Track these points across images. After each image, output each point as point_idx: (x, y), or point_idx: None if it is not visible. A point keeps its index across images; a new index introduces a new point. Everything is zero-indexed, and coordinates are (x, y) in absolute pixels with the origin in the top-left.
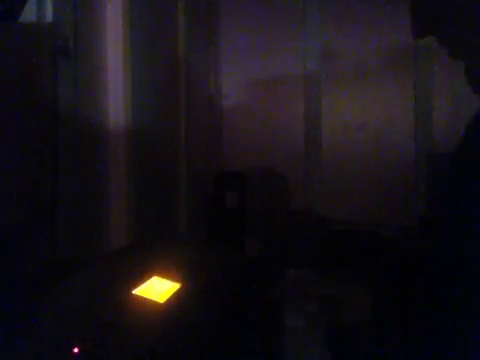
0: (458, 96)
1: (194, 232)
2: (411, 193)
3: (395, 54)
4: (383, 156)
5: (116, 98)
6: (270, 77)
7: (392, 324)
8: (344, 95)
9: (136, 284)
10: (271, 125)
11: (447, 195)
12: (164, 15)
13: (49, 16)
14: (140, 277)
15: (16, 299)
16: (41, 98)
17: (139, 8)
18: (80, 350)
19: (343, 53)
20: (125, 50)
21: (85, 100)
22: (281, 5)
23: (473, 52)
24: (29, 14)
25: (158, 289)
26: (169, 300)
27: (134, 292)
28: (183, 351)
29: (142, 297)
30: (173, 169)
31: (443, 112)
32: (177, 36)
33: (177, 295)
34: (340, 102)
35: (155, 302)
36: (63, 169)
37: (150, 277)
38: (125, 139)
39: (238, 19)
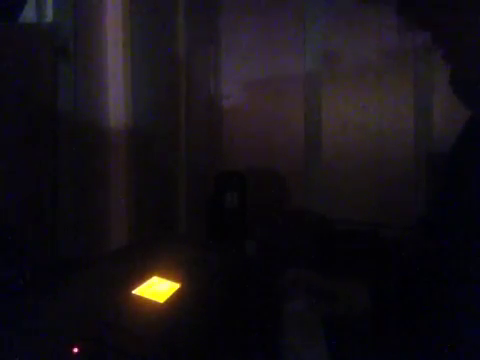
0: None
1: (194, 232)
2: (411, 193)
3: (395, 54)
4: (383, 156)
5: (116, 98)
6: (270, 77)
7: (392, 324)
8: (344, 95)
9: (136, 284)
10: (271, 125)
11: (446, 195)
12: (164, 15)
13: (49, 16)
14: (140, 277)
15: (16, 299)
16: (41, 98)
17: (139, 8)
18: (80, 350)
19: (343, 53)
20: (125, 50)
21: (85, 100)
22: (281, 5)
23: (463, 53)
24: (29, 14)
25: (158, 289)
26: (169, 300)
27: (134, 292)
28: (183, 351)
29: (142, 297)
30: (173, 169)
31: (443, 112)
32: (177, 36)
33: (177, 295)
34: (340, 102)
35: (155, 302)
36: (63, 169)
37: (150, 277)
38: (125, 139)
39: (238, 19)
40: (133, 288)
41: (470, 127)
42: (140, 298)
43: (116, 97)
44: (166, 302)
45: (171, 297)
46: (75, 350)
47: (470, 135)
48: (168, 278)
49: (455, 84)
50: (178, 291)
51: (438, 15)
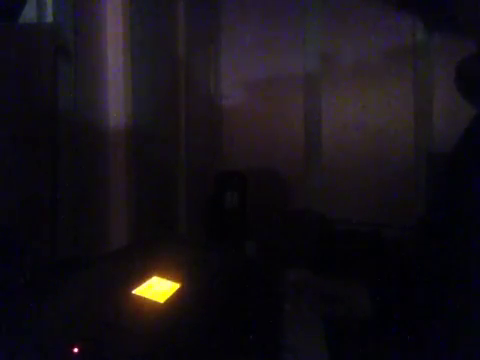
0: (458, 96)
1: (194, 232)
2: (411, 193)
3: (395, 54)
4: (383, 156)
5: (116, 98)
6: (270, 77)
7: (392, 324)
8: (344, 95)
9: (136, 284)
10: (271, 125)
11: (446, 195)
12: (164, 15)
13: (49, 16)
14: (140, 277)
15: (16, 299)
16: (41, 98)
17: (139, 8)
18: (80, 350)
19: (343, 53)
20: (125, 50)
21: (85, 100)
22: (281, 5)
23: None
24: (29, 14)
25: (158, 289)
26: (169, 300)
27: (134, 292)
28: (183, 351)
29: (142, 297)
30: (173, 169)
31: (443, 112)
32: (177, 36)
33: (177, 295)
34: (340, 102)
35: (155, 302)
36: (63, 169)
37: (150, 277)
38: (125, 139)
39: (238, 19)
40: (133, 288)
41: (474, 126)
42: (140, 298)
43: (116, 97)
44: (166, 302)
45: (171, 297)
46: (75, 350)
47: (474, 134)
48: (168, 278)
49: (459, 81)
50: (178, 291)
51: (440, 11)
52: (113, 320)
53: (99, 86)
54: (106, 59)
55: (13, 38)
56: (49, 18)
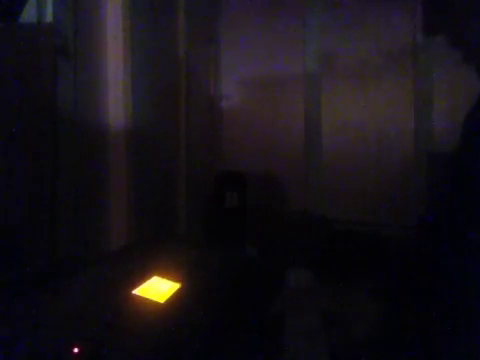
0: (458, 95)
1: (194, 232)
2: (411, 193)
3: (395, 54)
4: (383, 156)
5: (116, 98)
6: (270, 77)
7: (392, 324)
8: (344, 95)
9: (136, 284)
10: (271, 125)
11: (447, 195)
12: (164, 15)
13: (49, 16)
14: (140, 277)
15: (16, 299)
16: (41, 98)
17: (139, 8)
18: (80, 350)
19: (343, 53)
20: (125, 50)
21: (85, 100)
22: (281, 5)
23: None
24: (29, 14)
25: (158, 289)
26: (169, 300)
27: (134, 292)
28: (183, 351)
29: (142, 297)
30: (173, 169)
31: (443, 112)
32: (177, 36)
33: (177, 295)
34: (340, 102)
35: (155, 302)
36: (63, 169)
37: (150, 277)
38: (125, 139)
39: (238, 19)
40: (133, 288)
41: (474, 125)
42: (140, 298)
43: (116, 97)
44: (166, 302)
45: (171, 297)
46: (75, 350)
47: (473, 133)
48: (168, 278)
49: None
50: (178, 291)
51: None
52: (113, 320)
53: (99, 86)
54: (106, 59)
55: (13, 38)
56: (49, 18)
